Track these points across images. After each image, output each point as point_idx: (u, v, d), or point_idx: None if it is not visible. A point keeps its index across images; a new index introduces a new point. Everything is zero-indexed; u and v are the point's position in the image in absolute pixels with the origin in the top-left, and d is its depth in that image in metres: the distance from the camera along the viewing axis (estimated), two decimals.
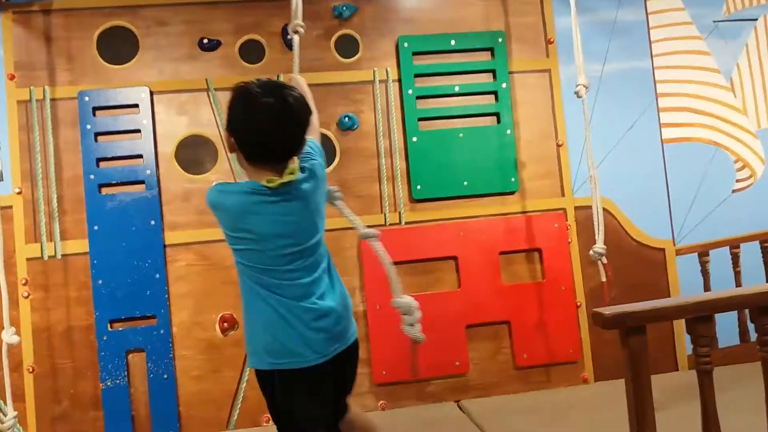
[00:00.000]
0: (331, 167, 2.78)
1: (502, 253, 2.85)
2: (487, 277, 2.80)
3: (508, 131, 2.89)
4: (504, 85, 2.89)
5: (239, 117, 1.42)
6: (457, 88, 2.88)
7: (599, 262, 2.52)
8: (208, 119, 2.73)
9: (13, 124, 2.61)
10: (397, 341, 2.72)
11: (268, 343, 1.46)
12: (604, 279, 2.53)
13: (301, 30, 2.08)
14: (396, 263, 2.71)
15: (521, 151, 2.92)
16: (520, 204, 2.91)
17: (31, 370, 2.53)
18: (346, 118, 2.79)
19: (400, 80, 2.84)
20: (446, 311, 2.76)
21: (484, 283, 2.79)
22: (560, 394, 2.77)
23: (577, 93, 2.52)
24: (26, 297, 2.55)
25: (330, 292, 1.51)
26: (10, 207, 2.56)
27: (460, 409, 2.70)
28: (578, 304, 2.89)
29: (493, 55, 2.91)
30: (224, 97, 2.70)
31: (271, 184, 1.40)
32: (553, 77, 2.98)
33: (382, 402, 2.73)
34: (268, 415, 2.64)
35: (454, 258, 2.81)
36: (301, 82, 1.79)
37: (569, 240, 2.91)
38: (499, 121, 2.90)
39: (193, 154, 2.72)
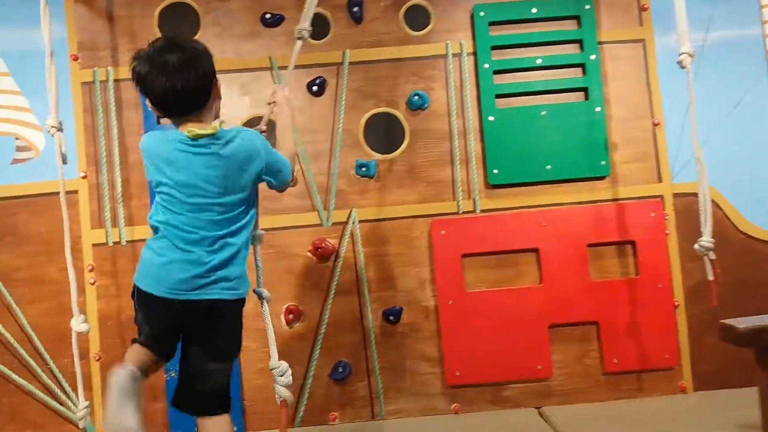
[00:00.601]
0: (400, 150, 2.60)
1: (590, 245, 2.56)
2: (573, 272, 2.52)
3: (598, 108, 2.58)
4: (593, 57, 2.59)
5: (142, 76, 1.58)
6: (539, 61, 2.60)
7: (705, 258, 2.20)
8: None
9: (78, 107, 2.56)
10: (471, 339, 2.53)
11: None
12: (711, 277, 2.19)
13: (306, 35, 1.98)
14: (470, 255, 2.57)
15: (612, 130, 2.61)
16: (611, 190, 2.60)
17: (97, 358, 2.49)
18: (416, 97, 2.58)
19: (475, 53, 2.60)
20: (526, 309, 2.51)
21: (569, 279, 2.52)
22: (654, 405, 2.47)
23: (680, 63, 2.19)
24: (92, 284, 2.51)
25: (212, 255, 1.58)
26: (76, 192, 2.51)
27: (541, 416, 2.45)
28: (676, 304, 2.57)
29: (579, 23, 2.61)
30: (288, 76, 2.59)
31: (190, 134, 1.54)
32: (648, 48, 2.65)
33: (455, 405, 2.53)
34: (336, 413, 2.50)
35: (536, 250, 2.55)
36: (282, 98, 1.85)
37: (667, 232, 2.58)
38: (587, 98, 2.60)
39: None
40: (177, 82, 1.54)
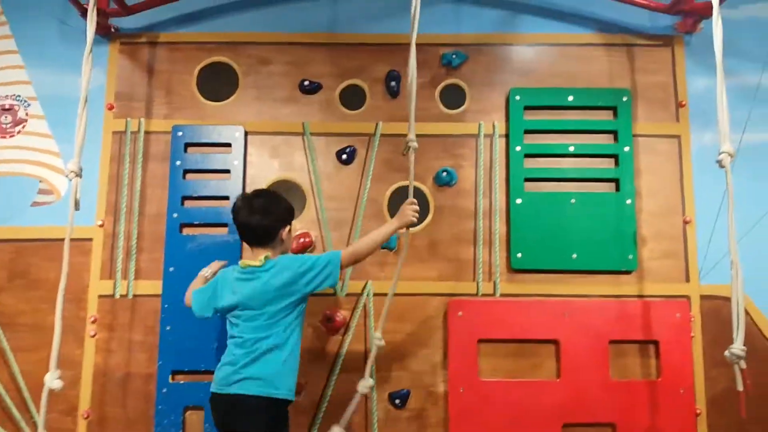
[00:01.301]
0: (423, 225, 2.54)
1: (612, 341, 2.45)
2: (593, 369, 2.40)
3: (629, 201, 2.53)
4: (627, 149, 2.56)
5: (236, 208, 2.08)
6: (572, 148, 2.57)
7: (736, 366, 2.07)
8: (301, 164, 2.59)
9: (105, 155, 2.56)
10: (480, 430, 2.41)
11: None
12: (740, 388, 2.06)
13: (414, 145, 2.13)
14: (487, 341, 2.47)
15: (642, 224, 2.55)
16: (638, 286, 2.52)
17: (86, 416, 2.39)
18: (444, 173, 2.55)
19: (507, 136, 2.59)
20: (541, 404, 2.39)
21: (588, 376, 2.40)
22: None
23: (719, 162, 2.13)
24: (93, 336, 2.44)
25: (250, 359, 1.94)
26: (90, 239, 2.49)
27: None
28: (698, 411, 2.43)
29: (615, 114, 2.60)
30: (319, 143, 2.59)
31: (242, 265, 2.03)
32: (683, 144, 2.62)
33: None
34: None
35: (555, 342, 2.45)
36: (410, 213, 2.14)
37: (692, 334, 2.47)
38: (618, 189, 2.55)
39: None
40: (251, 220, 2.02)
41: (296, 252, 2.47)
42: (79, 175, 2.06)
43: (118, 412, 2.40)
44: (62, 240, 2.35)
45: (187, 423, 2.38)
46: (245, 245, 2.46)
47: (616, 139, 2.59)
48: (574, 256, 2.51)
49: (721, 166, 2.14)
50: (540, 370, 2.45)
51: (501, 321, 2.45)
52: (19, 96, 2.63)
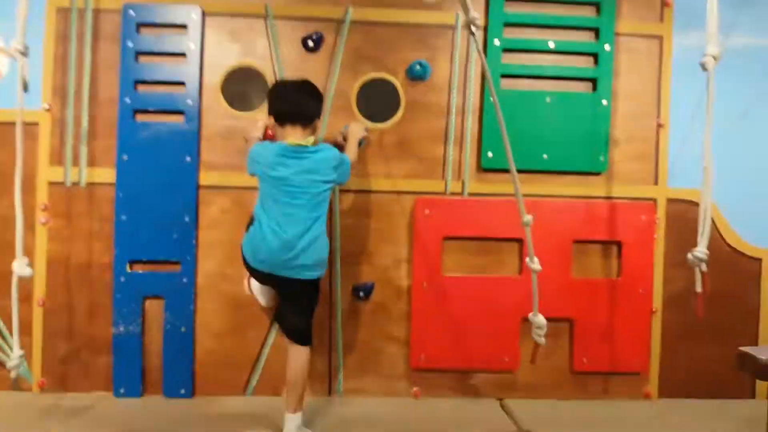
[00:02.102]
0: (393, 120, 2.45)
1: (576, 241, 2.48)
2: (555, 267, 2.43)
3: (605, 101, 2.47)
4: (607, 48, 2.46)
5: (271, 96, 2.14)
6: (551, 45, 2.46)
7: (697, 269, 2.12)
8: (263, 50, 2.42)
9: (49, 33, 2.35)
10: (440, 325, 2.44)
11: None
12: (699, 289, 2.12)
13: (479, 23, 1.92)
14: (452, 238, 2.47)
15: (616, 126, 2.51)
16: (605, 187, 2.51)
17: (41, 303, 2.34)
18: (418, 66, 2.42)
19: (486, 28, 2.44)
20: (502, 299, 2.43)
21: (550, 273, 2.38)
22: (617, 408, 2.44)
23: (703, 65, 2.05)
24: (44, 223, 2.34)
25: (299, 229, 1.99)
26: (36, 124, 2.32)
27: (503, 408, 2.40)
28: (654, 310, 2.51)
29: (598, 11, 2.47)
30: (283, 27, 2.40)
31: (290, 143, 2.02)
32: (665, 46, 2.53)
33: (415, 389, 2.46)
34: None
35: (519, 240, 2.46)
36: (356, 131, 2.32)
37: (655, 236, 2.50)
38: (594, 89, 2.48)
39: (241, 87, 2.42)
40: (304, 100, 2.08)
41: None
42: (25, 54, 1.90)
43: (75, 300, 2.36)
44: (7, 124, 2.22)
45: (147, 311, 2.37)
46: (203, 135, 2.38)
47: (597, 37, 2.48)
48: (546, 156, 2.46)
49: (704, 69, 2.07)
50: (502, 266, 2.48)
51: (467, 219, 2.44)
52: None
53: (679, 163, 2.53)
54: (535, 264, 2.13)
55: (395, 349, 2.46)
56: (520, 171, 2.43)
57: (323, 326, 2.42)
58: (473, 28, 1.92)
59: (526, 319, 2.43)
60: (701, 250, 2.06)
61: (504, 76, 2.45)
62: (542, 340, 2.19)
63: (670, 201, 2.53)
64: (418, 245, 2.42)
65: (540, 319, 2.18)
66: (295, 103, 2.04)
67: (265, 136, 2.21)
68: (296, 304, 2.06)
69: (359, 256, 2.45)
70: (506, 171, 2.43)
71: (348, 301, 2.45)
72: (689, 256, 2.09)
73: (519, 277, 2.45)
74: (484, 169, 2.47)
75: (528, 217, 2.12)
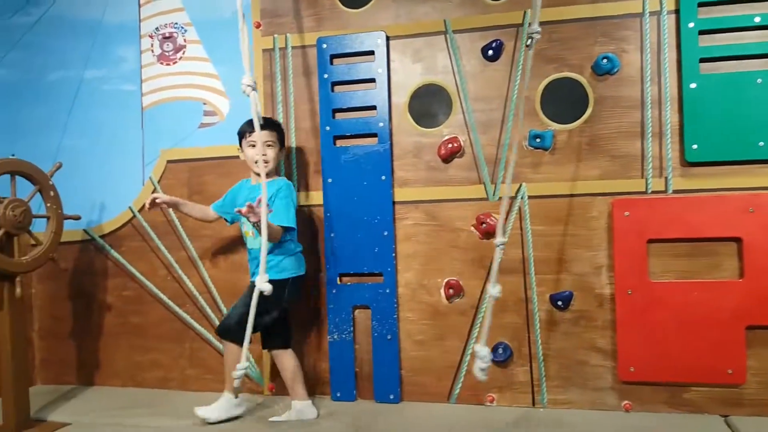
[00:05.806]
0: (582, 119, 2.35)
1: None
2: None
3: None
4: None
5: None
6: (757, 19, 2.19)
7: None
8: (444, 65, 2.48)
9: (258, 74, 2.65)
10: (651, 334, 2.26)
11: None
12: None
13: (537, 36, 2.02)
14: (657, 241, 2.29)
15: None
16: None
17: None
18: (605, 60, 2.31)
19: (677, 11, 2.26)
20: (721, 305, 2.20)
21: None
22: None
23: None
24: None
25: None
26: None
27: (729, 426, 2.16)
28: None
29: None
30: (462, 40, 2.45)
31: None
32: None
33: (626, 402, 2.31)
34: (493, 395, 2.43)
35: (738, 240, 2.21)
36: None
37: None
38: None
39: (426, 105, 2.50)
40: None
41: (445, 158, 2.46)
42: (255, 89, 2.14)
43: (300, 309, 2.58)
44: (231, 158, 2.57)
45: (357, 320, 2.54)
46: (395, 154, 2.50)
47: None
48: (761, 144, 2.19)
49: None
50: (719, 270, 2.24)
51: (674, 220, 2.25)
52: (177, 23, 2.78)
53: None
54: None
55: (600, 360, 2.34)
56: (731, 163, 2.24)
57: (522, 338, 2.40)
58: (528, 41, 2.01)
59: (752, 328, 2.20)
60: None
61: (704, 60, 2.23)
62: (482, 376, 1.96)
63: None
64: (620, 250, 2.29)
65: (482, 349, 1.97)
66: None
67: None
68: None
69: (554, 264, 2.38)
70: (715, 164, 2.25)
71: (546, 311, 2.40)
72: None
73: (740, 281, 2.20)
74: (688, 163, 2.27)
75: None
